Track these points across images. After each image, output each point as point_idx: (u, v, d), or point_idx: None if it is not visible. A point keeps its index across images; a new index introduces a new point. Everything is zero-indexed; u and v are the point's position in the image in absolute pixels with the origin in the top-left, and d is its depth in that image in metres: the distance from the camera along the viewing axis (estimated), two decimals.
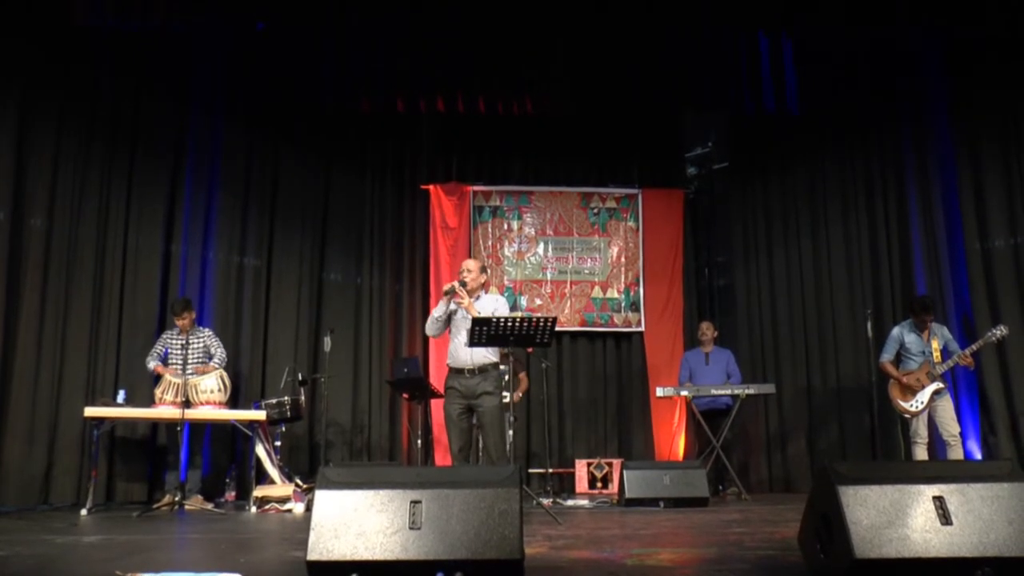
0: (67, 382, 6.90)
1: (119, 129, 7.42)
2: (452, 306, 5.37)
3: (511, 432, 6.36)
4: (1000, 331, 6.56)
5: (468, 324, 5.20)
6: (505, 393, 6.92)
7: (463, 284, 5.32)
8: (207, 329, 7.14)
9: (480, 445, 5.94)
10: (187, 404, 6.29)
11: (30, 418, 6.66)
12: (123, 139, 7.43)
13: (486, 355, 5.32)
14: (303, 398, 7.29)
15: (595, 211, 9.12)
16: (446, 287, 5.39)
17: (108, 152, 7.34)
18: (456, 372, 5.35)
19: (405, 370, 7.50)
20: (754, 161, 9.11)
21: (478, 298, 5.41)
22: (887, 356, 6.87)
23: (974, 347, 6.66)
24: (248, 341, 7.93)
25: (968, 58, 7.73)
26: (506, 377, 5.92)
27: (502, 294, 8.75)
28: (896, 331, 6.90)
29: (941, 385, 6.61)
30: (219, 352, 6.98)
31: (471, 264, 5.54)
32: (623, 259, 9.07)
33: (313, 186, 8.60)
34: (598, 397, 8.90)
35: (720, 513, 5.76)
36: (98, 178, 7.26)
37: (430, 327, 5.52)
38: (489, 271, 8.83)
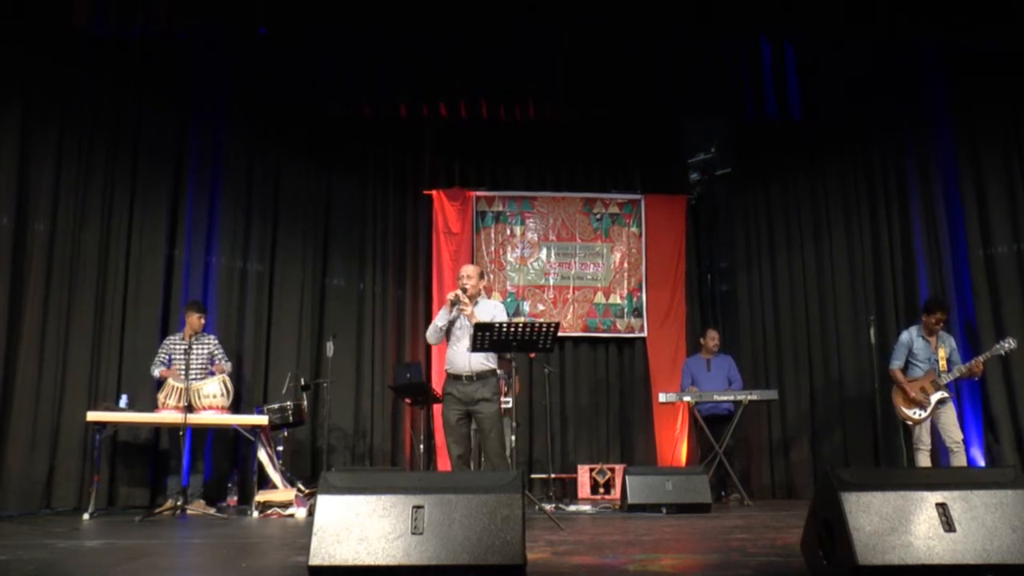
0: (70, 386, 6.90)
1: (121, 135, 7.43)
2: (454, 313, 5.37)
3: (513, 438, 6.35)
4: (1008, 344, 6.50)
5: (469, 330, 5.22)
6: (508, 399, 6.96)
7: (464, 291, 5.34)
8: (213, 337, 7.15)
9: (480, 451, 5.95)
10: (189, 409, 6.29)
11: (32, 422, 6.65)
12: (125, 144, 7.45)
13: (484, 361, 5.33)
14: (305, 403, 7.30)
15: (598, 217, 9.13)
16: (450, 295, 5.39)
17: (110, 157, 7.35)
18: (454, 378, 5.36)
19: (407, 375, 7.51)
20: (756, 167, 9.12)
21: (476, 303, 5.42)
22: (897, 363, 6.81)
23: (981, 358, 6.63)
24: (251, 346, 7.94)
25: (968, 64, 7.73)
26: (510, 381, 5.92)
27: (504, 299, 8.77)
28: (905, 336, 6.87)
29: (946, 395, 6.60)
30: (227, 365, 7.00)
31: (471, 270, 5.55)
32: (626, 265, 9.08)
33: (315, 191, 8.62)
34: (600, 403, 8.89)
35: (722, 519, 5.75)
36: (101, 183, 7.27)
37: (432, 335, 5.52)
38: (491, 276, 8.85)
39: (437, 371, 8.38)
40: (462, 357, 5.32)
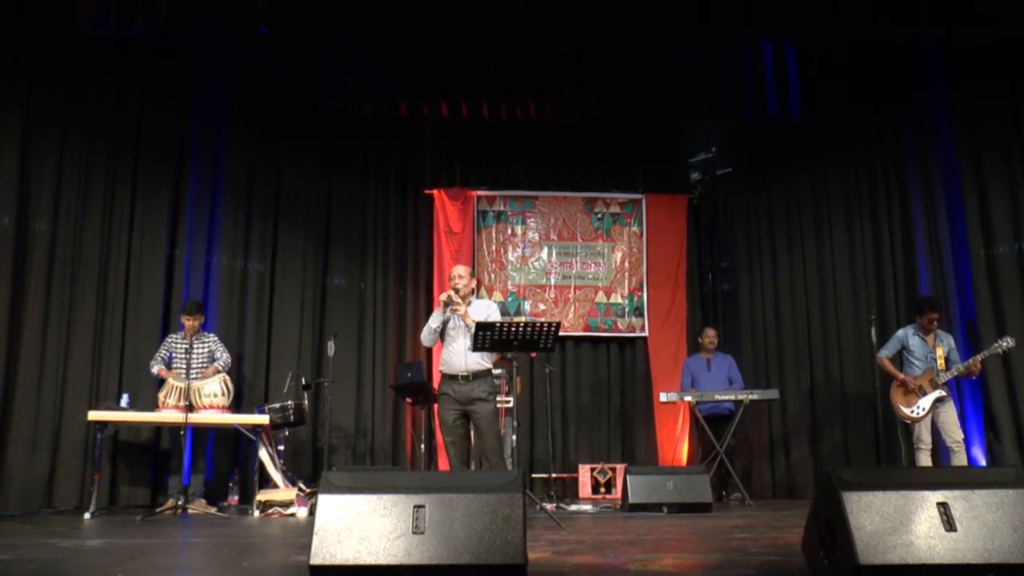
0: (71, 386, 6.91)
1: (122, 134, 7.43)
2: (447, 314, 5.38)
3: (514, 437, 6.36)
4: (1007, 343, 6.51)
5: (464, 330, 5.26)
6: (508, 398, 6.96)
7: (456, 291, 5.35)
8: (212, 335, 7.15)
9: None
10: (190, 408, 6.30)
11: (34, 422, 6.66)
12: (126, 144, 7.45)
13: (480, 361, 5.35)
14: (306, 402, 7.30)
15: (599, 216, 9.13)
16: (442, 296, 5.42)
17: (112, 157, 7.35)
18: (450, 378, 5.38)
19: (408, 375, 7.52)
20: (757, 167, 9.12)
21: (469, 303, 5.43)
22: (886, 353, 6.86)
23: (979, 357, 6.63)
24: (251, 345, 7.94)
25: (968, 64, 7.72)
26: (512, 381, 5.91)
27: (505, 299, 8.77)
28: (901, 332, 6.89)
29: (943, 393, 6.60)
30: (224, 356, 7.00)
31: (462, 270, 5.57)
32: (627, 264, 9.08)
33: (316, 191, 8.62)
34: (601, 402, 8.89)
35: (723, 519, 5.75)
36: (102, 183, 7.27)
37: (426, 337, 5.52)
38: (492, 275, 8.85)
39: (438, 371, 8.37)
40: (458, 357, 5.34)
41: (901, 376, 6.69)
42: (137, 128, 7.55)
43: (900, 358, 6.90)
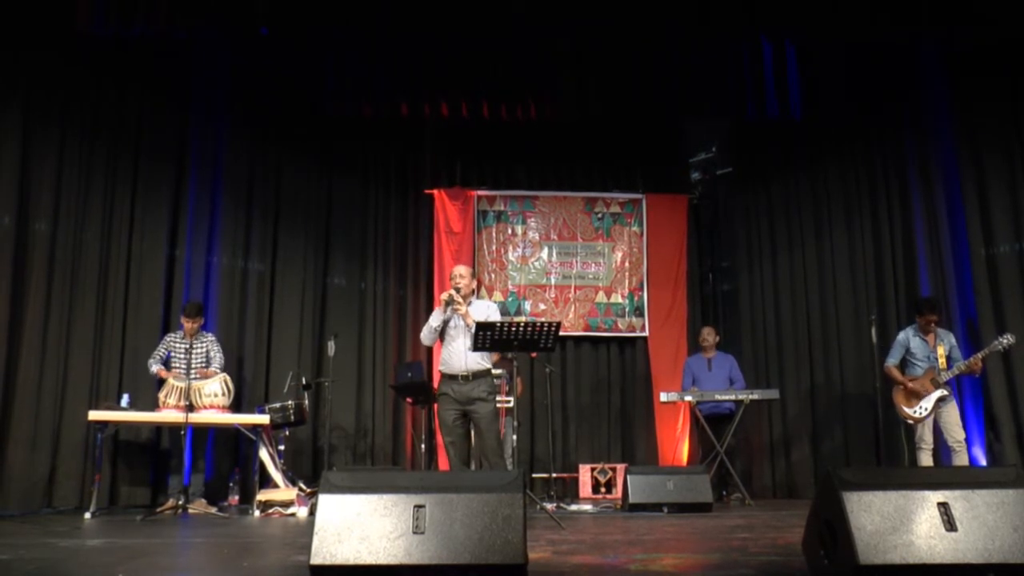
0: (71, 386, 6.91)
1: (122, 134, 7.43)
2: (448, 313, 5.39)
3: (515, 437, 6.36)
4: (1007, 340, 6.51)
5: (464, 330, 5.27)
6: (509, 398, 6.96)
7: (457, 291, 5.36)
8: (210, 334, 7.15)
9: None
10: (191, 408, 6.29)
11: (34, 422, 6.66)
12: (126, 144, 7.45)
13: (480, 361, 5.36)
14: (306, 402, 7.30)
15: (599, 216, 9.13)
16: (444, 295, 5.43)
17: (112, 157, 7.35)
18: (449, 378, 5.39)
19: (409, 374, 7.51)
20: (757, 167, 9.12)
21: (470, 303, 5.44)
22: (892, 360, 6.86)
23: (980, 355, 6.63)
24: (252, 345, 7.94)
25: (968, 64, 7.72)
26: (512, 381, 5.91)
27: (506, 299, 8.77)
28: (902, 336, 6.89)
29: (945, 392, 6.60)
30: (218, 357, 7.00)
31: (463, 270, 5.59)
32: (627, 264, 9.08)
33: (316, 191, 8.62)
34: (602, 402, 8.89)
35: (724, 519, 5.75)
36: (102, 183, 7.27)
37: (426, 336, 5.54)
38: (492, 275, 8.85)
39: (438, 370, 8.37)
40: (458, 357, 5.35)
41: (910, 385, 6.68)
42: (137, 128, 7.55)
43: (902, 360, 6.89)
